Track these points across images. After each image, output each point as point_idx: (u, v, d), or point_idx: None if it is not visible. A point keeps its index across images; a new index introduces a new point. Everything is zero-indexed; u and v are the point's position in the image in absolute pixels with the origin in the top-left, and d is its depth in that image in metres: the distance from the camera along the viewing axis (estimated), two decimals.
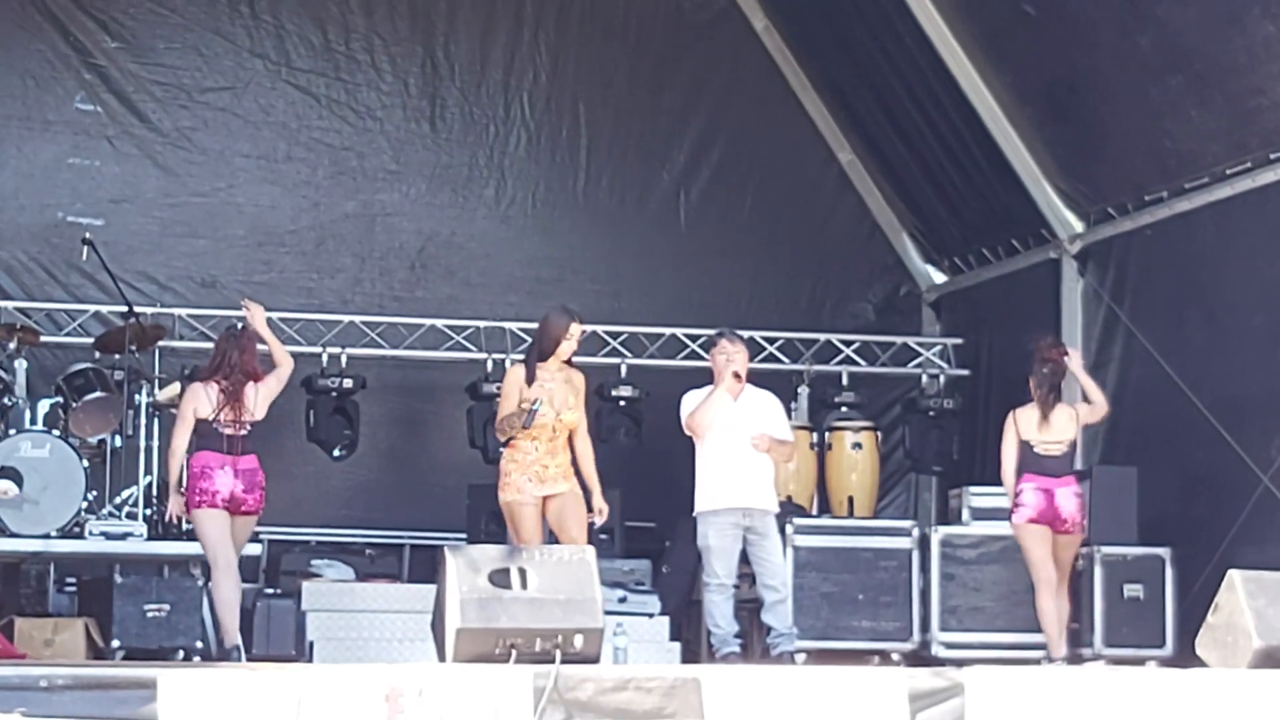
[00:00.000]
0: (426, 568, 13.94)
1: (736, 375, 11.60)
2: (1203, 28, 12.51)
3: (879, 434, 15.30)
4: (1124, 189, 14.06)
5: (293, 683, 7.58)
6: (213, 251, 15.33)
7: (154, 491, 13.32)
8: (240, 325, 11.89)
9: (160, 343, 13.88)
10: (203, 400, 11.34)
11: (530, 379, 11.07)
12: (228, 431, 11.29)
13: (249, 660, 11.17)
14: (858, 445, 14.95)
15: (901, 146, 15.77)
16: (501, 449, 11.30)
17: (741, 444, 11.58)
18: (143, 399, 13.47)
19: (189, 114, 15.29)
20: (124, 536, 12.88)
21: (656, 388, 14.60)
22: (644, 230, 16.05)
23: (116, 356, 13.44)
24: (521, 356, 11.59)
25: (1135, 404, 13.99)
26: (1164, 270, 13.85)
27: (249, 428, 11.37)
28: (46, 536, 12.67)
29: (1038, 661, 12.04)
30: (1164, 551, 13.25)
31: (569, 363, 11.27)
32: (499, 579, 8.52)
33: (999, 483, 12.36)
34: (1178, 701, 8.44)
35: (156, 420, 13.44)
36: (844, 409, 15.38)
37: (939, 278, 16.53)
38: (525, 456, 11.02)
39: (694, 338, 15.22)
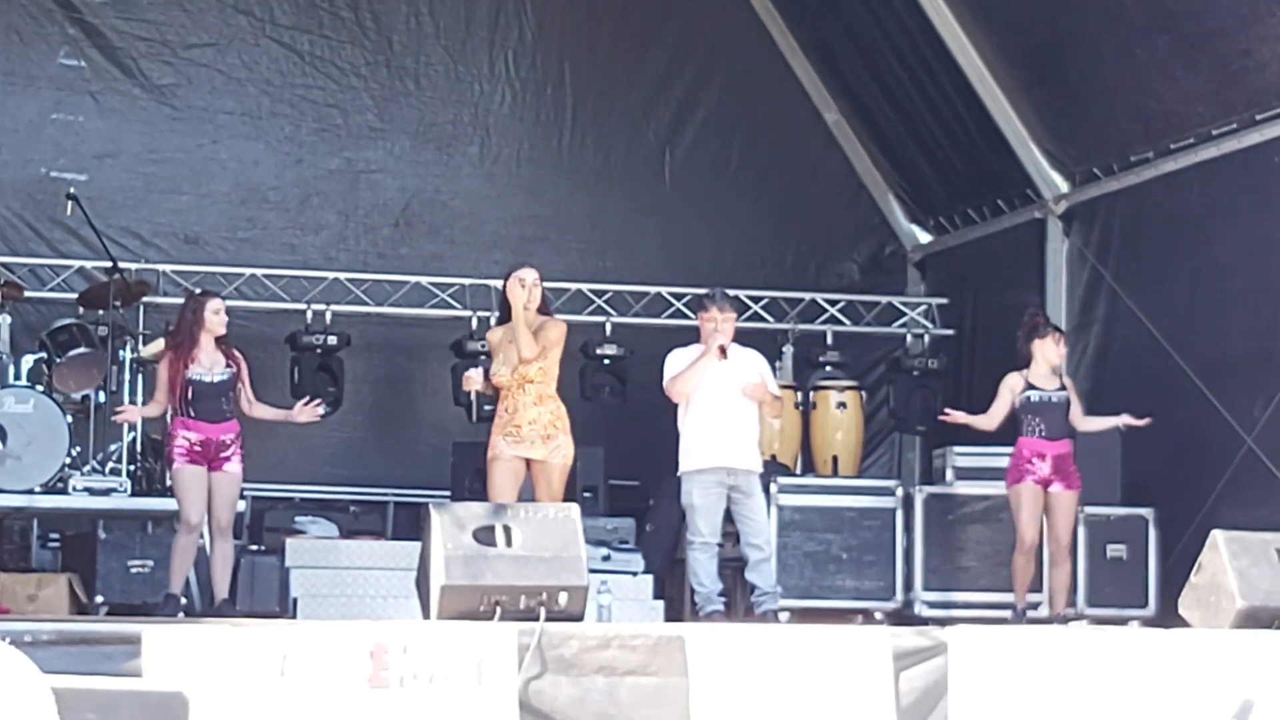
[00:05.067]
0: (410, 525, 13.95)
1: (723, 350, 11.53)
2: None
3: (863, 393, 15.32)
4: (1110, 150, 14.05)
5: (277, 639, 7.58)
6: (196, 208, 15.30)
7: (138, 447, 13.30)
8: (200, 291, 11.82)
9: (144, 299, 13.84)
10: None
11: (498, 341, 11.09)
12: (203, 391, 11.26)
13: (236, 615, 11.16)
14: (842, 405, 14.96)
15: (887, 106, 15.75)
16: (457, 404, 11.30)
17: (726, 403, 11.56)
18: (127, 355, 13.44)
19: (173, 70, 15.24)
20: (108, 492, 12.86)
21: (641, 346, 14.59)
22: (629, 189, 16.03)
23: (100, 312, 13.40)
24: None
25: (1119, 364, 14.02)
26: (1149, 231, 13.85)
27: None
28: (30, 492, 12.64)
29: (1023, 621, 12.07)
30: (1147, 512, 13.29)
31: (550, 315, 11.22)
32: (484, 536, 8.52)
33: (983, 442, 12.39)
34: (1160, 661, 8.47)
35: (140, 376, 13.41)
36: (829, 368, 15.39)
37: (924, 237, 16.53)
38: (499, 417, 11.02)
39: (679, 296, 15.21)
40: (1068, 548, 12.09)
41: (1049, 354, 12.04)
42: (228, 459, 11.22)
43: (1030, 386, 11.97)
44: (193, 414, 11.16)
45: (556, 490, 10.94)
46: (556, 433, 11.03)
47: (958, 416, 12.13)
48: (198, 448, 11.13)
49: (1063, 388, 12.06)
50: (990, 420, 12.03)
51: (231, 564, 11.39)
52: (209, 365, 11.24)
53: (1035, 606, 12.29)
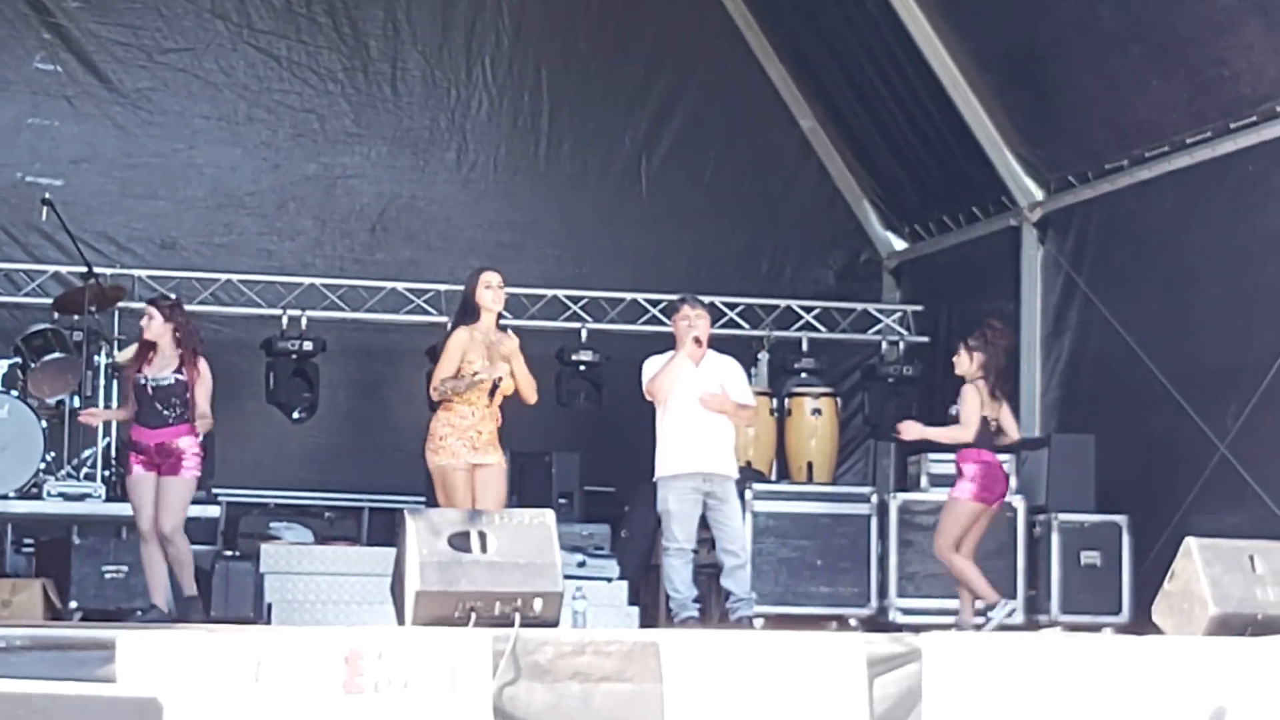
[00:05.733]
0: (385, 530, 13.95)
1: (698, 340, 11.58)
2: None
3: (838, 400, 15.32)
4: (1084, 157, 14.10)
5: (251, 645, 7.57)
6: (172, 213, 15.29)
7: (113, 453, 13.28)
8: (168, 298, 11.79)
9: (119, 304, 13.83)
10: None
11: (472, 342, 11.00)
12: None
13: (200, 615, 11.14)
14: (817, 411, 14.98)
15: (863, 113, 15.78)
16: (434, 409, 11.18)
17: (702, 409, 11.58)
18: (102, 360, 13.44)
19: (149, 74, 15.23)
20: (82, 498, 12.86)
21: (617, 353, 14.61)
22: (605, 195, 16.05)
23: (75, 317, 13.40)
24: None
25: (1093, 372, 14.06)
26: (1123, 239, 13.89)
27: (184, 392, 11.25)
28: (4, 497, 12.64)
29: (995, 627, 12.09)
30: (1121, 519, 13.32)
31: (502, 328, 11.17)
32: (459, 542, 8.51)
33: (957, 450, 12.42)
34: (1134, 668, 8.49)
35: (115, 382, 13.39)
36: (804, 375, 15.42)
37: (899, 244, 16.56)
38: (462, 421, 10.92)
39: (655, 303, 15.23)
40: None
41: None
42: (177, 465, 11.06)
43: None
44: (138, 419, 11.10)
45: (503, 495, 10.94)
46: (498, 443, 11.01)
47: (929, 433, 11.99)
48: (143, 454, 11.05)
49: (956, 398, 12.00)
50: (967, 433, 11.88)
51: (188, 562, 11.14)
52: (159, 369, 11.17)
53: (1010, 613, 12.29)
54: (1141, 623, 10.82)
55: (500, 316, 11.16)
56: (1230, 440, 12.51)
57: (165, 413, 11.07)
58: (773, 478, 14.60)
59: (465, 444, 10.90)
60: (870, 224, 16.61)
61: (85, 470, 13.22)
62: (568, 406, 14.87)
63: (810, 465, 14.85)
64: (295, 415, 14.79)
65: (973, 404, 11.64)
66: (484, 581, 8.43)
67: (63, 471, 13.05)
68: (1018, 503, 13.37)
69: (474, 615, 8.32)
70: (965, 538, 11.70)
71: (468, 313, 11.10)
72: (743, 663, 8.08)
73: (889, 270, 16.63)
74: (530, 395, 11.10)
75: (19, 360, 13.08)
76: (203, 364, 11.25)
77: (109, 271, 14.11)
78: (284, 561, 13.08)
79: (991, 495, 11.68)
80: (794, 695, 8.09)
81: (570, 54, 15.99)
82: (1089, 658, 8.51)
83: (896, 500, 13.53)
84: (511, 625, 8.08)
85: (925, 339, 16.04)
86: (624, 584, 13.32)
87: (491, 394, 10.87)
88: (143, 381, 11.10)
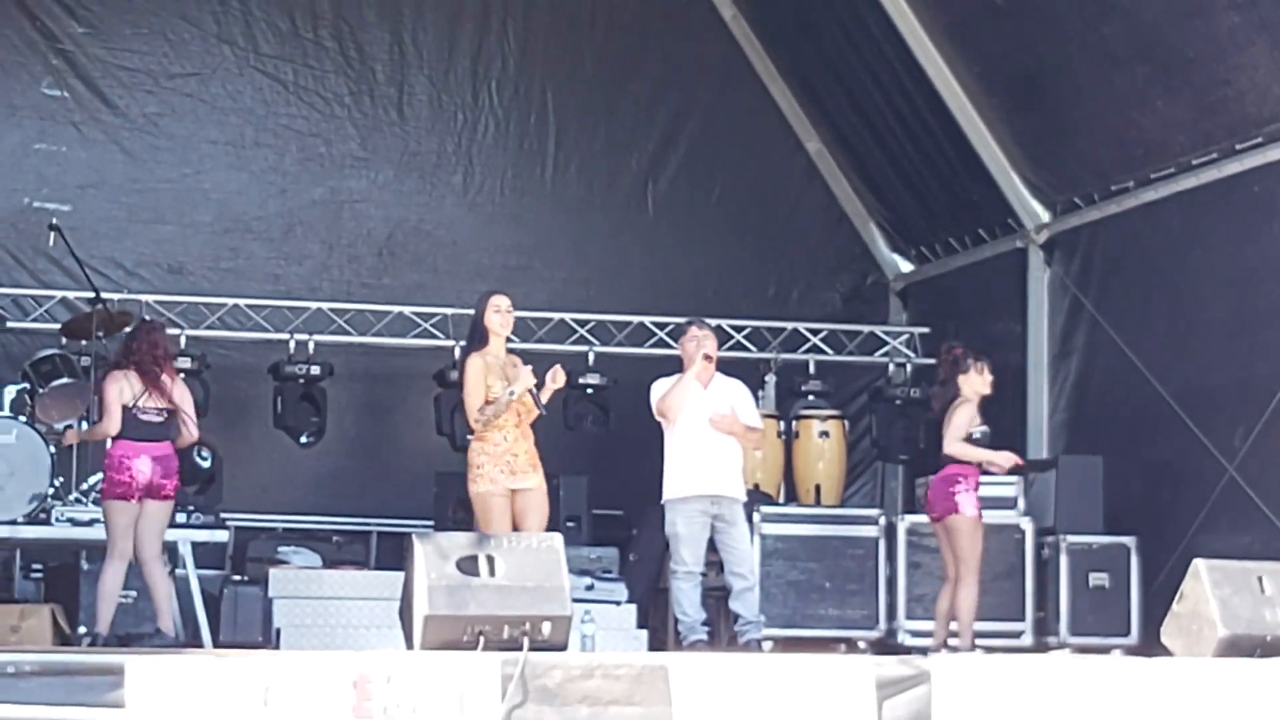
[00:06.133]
0: (394, 554, 13.94)
1: (707, 357, 11.60)
2: (1169, 18, 12.55)
3: (846, 422, 15.34)
4: (1090, 179, 14.10)
5: (260, 669, 7.57)
6: (180, 237, 15.31)
7: None
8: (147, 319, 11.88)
9: (127, 329, 13.83)
10: (124, 386, 11.35)
11: (487, 366, 11.03)
12: (146, 419, 11.28)
13: (216, 646, 11.16)
14: (825, 434, 14.99)
15: (869, 136, 15.80)
16: (469, 439, 11.25)
17: (710, 432, 11.59)
18: None
19: (156, 100, 15.26)
20: (90, 523, 12.82)
21: (624, 376, 14.61)
22: (612, 218, 16.07)
23: (83, 342, 13.38)
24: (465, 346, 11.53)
25: (1101, 393, 14.05)
26: (1130, 260, 13.90)
27: (166, 415, 11.34)
28: (13, 523, 12.61)
29: (1004, 649, 12.09)
30: (1129, 540, 13.30)
31: (510, 352, 11.22)
32: (467, 566, 8.52)
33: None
34: (1143, 690, 8.48)
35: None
36: (811, 397, 15.42)
37: (906, 267, 16.57)
38: (496, 448, 10.98)
39: (662, 325, 15.23)
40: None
41: (979, 385, 11.98)
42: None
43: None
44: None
45: (545, 519, 10.96)
46: (539, 462, 11.06)
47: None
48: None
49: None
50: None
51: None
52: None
53: (1018, 635, 12.31)
54: (1150, 644, 10.81)
55: (507, 340, 11.19)
56: (1238, 461, 12.50)
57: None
58: (780, 500, 14.61)
59: (503, 470, 10.94)
60: (877, 246, 16.62)
61: (93, 495, 13.21)
62: (575, 430, 14.87)
63: (818, 488, 14.85)
64: (303, 440, 14.80)
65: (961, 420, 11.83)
66: (492, 605, 8.43)
67: (71, 496, 13.05)
68: (1026, 525, 13.37)
69: (482, 639, 8.32)
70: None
71: (477, 338, 11.13)
72: (752, 686, 8.08)
73: (896, 292, 16.64)
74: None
75: (27, 386, 13.07)
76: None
77: (116, 296, 14.09)
78: (292, 586, 13.09)
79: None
80: (803, 718, 8.08)
81: (576, 77, 16.01)
82: (1098, 679, 8.50)
83: (905, 522, 13.52)
84: (520, 649, 8.08)
85: (932, 361, 15.99)
86: (632, 607, 13.32)
87: (462, 438, 10.90)
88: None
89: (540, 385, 10.92)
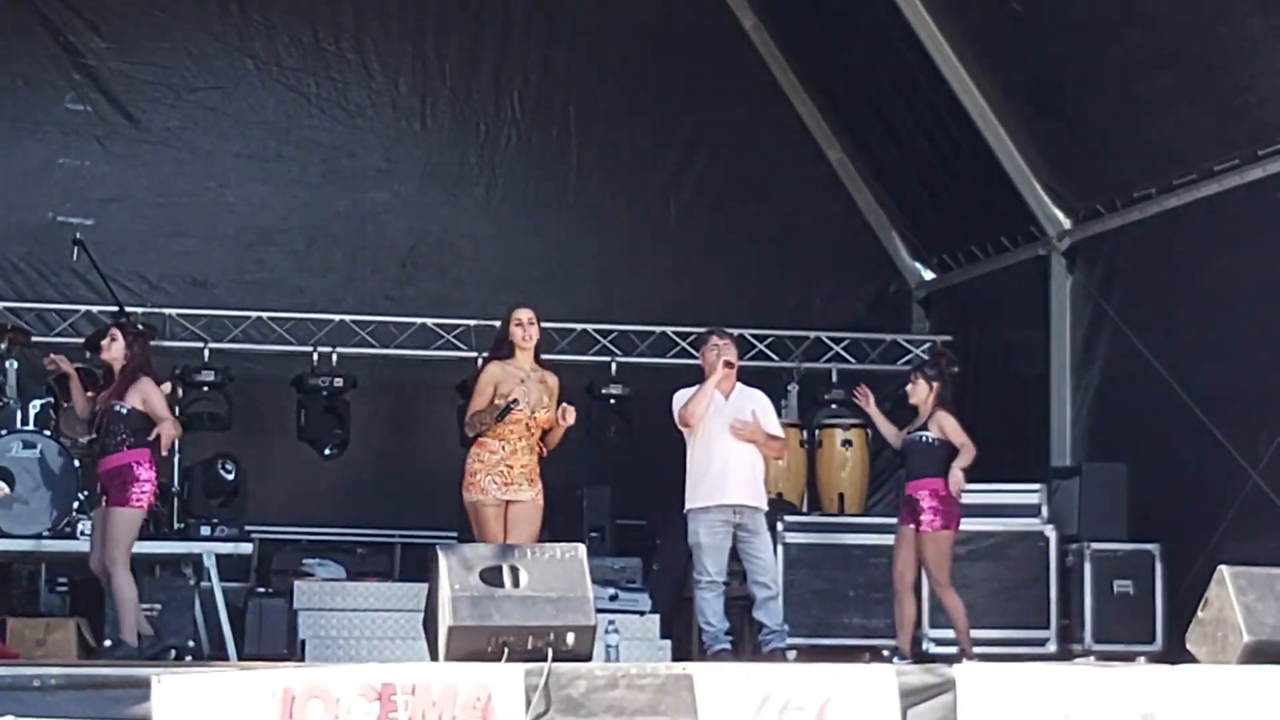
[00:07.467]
0: (418, 566, 13.93)
1: (728, 364, 11.61)
2: (1190, 25, 12.55)
3: (869, 431, 15.28)
4: (1112, 186, 14.09)
5: (285, 682, 7.59)
6: (203, 251, 15.34)
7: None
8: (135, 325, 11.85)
9: (151, 343, 13.86)
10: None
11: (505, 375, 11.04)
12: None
13: (241, 659, 11.16)
14: (848, 442, 14.98)
15: (890, 145, 15.80)
16: (466, 446, 11.22)
17: (731, 441, 11.60)
18: None
19: (179, 113, 15.30)
20: None
21: (647, 386, 14.62)
22: (634, 228, 16.08)
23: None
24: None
25: (1124, 400, 14.04)
26: (1152, 267, 13.88)
27: None
28: (38, 537, 12.65)
29: (1028, 657, 12.07)
30: (1153, 547, 13.29)
31: (542, 364, 11.22)
32: (491, 577, 8.53)
33: (986, 479, 12.41)
34: (1168, 697, 8.47)
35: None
36: (834, 406, 15.40)
37: (928, 275, 16.57)
38: (491, 456, 10.96)
39: (684, 335, 15.24)
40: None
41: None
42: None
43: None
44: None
45: (535, 532, 10.93)
46: (537, 476, 11.03)
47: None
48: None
49: (924, 426, 12.11)
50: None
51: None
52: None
53: (1043, 643, 12.29)
54: (1175, 651, 10.79)
55: (538, 353, 11.19)
56: (1263, 467, 12.48)
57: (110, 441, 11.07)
58: (804, 509, 14.60)
59: (495, 480, 10.93)
60: (899, 255, 16.62)
61: None
62: (598, 440, 14.88)
63: (841, 496, 14.85)
64: (327, 452, 14.82)
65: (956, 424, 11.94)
66: (516, 616, 8.44)
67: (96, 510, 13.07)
68: (1049, 532, 13.37)
69: (507, 650, 8.33)
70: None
71: (501, 348, 11.17)
72: (776, 695, 8.08)
73: (918, 301, 16.63)
74: (553, 442, 11.12)
75: (51, 400, 13.12)
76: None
77: (140, 310, 14.16)
78: (317, 598, 13.11)
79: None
80: None
81: (598, 88, 16.03)
82: (1123, 687, 8.50)
83: None
84: (544, 659, 8.09)
85: (954, 369, 15.99)
86: (656, 617, 13.32)
87: (500, 419, 10.82)
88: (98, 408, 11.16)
89: (509, 409, 10.84)
